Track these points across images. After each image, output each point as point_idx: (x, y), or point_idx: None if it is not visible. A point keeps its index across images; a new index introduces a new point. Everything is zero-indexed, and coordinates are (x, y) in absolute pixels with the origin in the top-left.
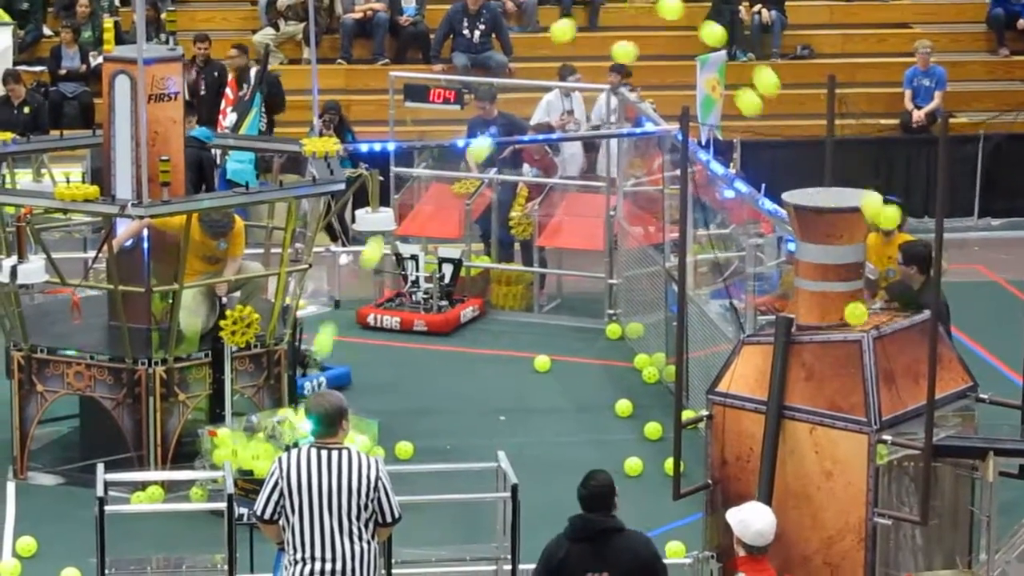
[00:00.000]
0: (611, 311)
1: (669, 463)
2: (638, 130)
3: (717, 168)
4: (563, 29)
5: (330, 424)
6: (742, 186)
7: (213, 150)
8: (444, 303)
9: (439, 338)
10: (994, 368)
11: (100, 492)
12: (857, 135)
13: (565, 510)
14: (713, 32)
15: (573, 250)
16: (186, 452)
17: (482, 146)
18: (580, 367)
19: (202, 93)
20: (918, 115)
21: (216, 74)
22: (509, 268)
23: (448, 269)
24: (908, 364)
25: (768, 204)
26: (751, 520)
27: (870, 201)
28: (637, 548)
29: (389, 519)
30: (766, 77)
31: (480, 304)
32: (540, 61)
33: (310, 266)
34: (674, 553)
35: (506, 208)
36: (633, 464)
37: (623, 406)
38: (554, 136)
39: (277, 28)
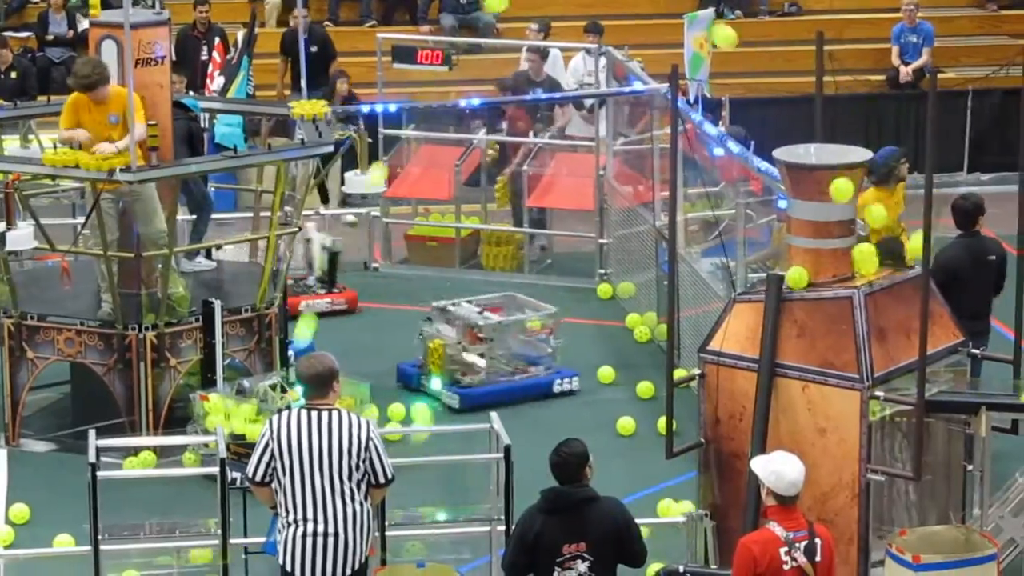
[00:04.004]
0: (602, 271)
1: (662, 422)
2: (627, 88)
3: (709, 128)
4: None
5: (321, 385)
6: (732, 144)
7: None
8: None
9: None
10: None
11: (92, 458)
12: (846, 92)
13: None
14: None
15: (563, 210)
16: (178, 417)
17: None
18: (571, 327)
19: (203, 59)
20: (905, 71)
21: (217, 40)
22: (499, 229)
23: (324, 257)
24: (900, 320)
25: (757, 161)
26: (784, 471)
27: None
28: (612, 515)
29: (382, 479)
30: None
31: (353, 299)
32: (528, 21)
33: (299, 229)
34: (667, 512)
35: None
36: (626, 423)
37: (605, 372)
38: (543, 96)
39: None
